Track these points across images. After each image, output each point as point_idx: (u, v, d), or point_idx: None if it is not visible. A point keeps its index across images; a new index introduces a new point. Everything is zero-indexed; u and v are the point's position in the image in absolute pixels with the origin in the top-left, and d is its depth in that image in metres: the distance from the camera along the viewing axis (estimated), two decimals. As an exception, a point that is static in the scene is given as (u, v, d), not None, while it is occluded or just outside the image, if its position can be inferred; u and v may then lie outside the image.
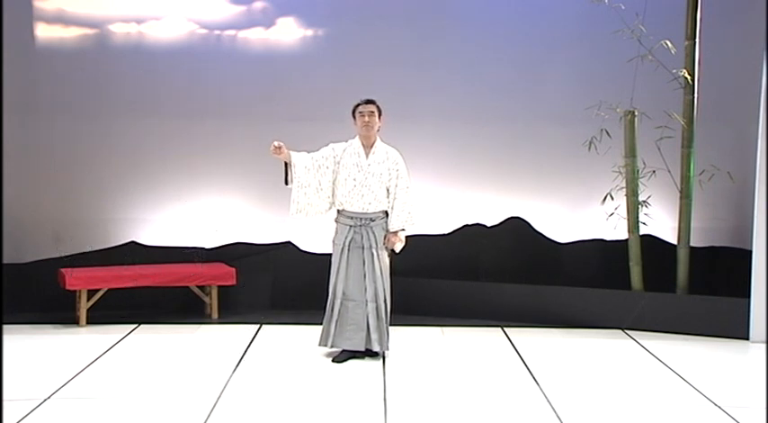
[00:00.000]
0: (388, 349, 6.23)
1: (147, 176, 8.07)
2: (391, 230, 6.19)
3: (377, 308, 6.15)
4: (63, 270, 7.49)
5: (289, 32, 8.07)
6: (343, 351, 6.18)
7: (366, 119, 6.17)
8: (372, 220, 6.17)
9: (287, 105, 8.06)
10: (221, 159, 8.12)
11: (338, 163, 6.21)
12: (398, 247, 6.28)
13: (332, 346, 6.21)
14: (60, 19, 7.92)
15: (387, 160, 6.21)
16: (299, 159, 6.20)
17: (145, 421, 4.83)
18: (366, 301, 6.14)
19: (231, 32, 8.06)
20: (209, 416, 4.92)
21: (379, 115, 6.24)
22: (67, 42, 7.95)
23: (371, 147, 6.23)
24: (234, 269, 7.72)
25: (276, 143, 6.10)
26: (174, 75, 8.03)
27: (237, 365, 6.04)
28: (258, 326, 7.32)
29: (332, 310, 6.20)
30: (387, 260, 6.24)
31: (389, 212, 6.20)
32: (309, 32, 8.10)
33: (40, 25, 7.91)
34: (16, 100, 7.77)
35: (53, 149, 7.97)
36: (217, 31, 8.04)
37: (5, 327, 6.60)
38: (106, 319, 7.35)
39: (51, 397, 5.23)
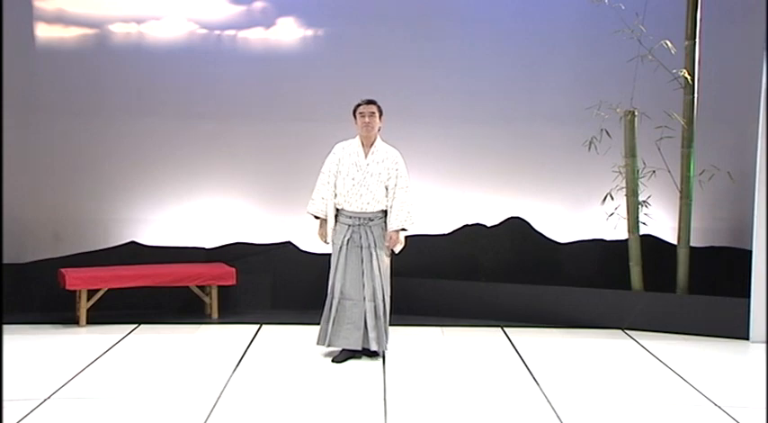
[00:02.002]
0: (386, 349, 6.23)
1: (147, 176, 8.06)
2: (391, 230, 6.18)
3: (375, 307, 6.14)
4: (63, 270, 7.49)
5: (289, 32, 8.07)
6: (343, 351, 6.18)
7: (366, 120, 6.18)
8: (371, 219, 6.17)
9: (287, 105, 8.06)
10: (221, 159, 8.12)
11: (339, 162, 6.22)
12: (398, 248, 6.27)
13: (329, 345, 6.21)
14: (60, 19, 7.93)
15: (386, 160, 6.21)
16: (330, 211, 6.27)
17: (145, 421, 4.83)
18: (364, 300, 6.14)
19: (231, 32, 8.06)
20: (209, 416, 4.91)
21: (380, 115, 6.25)
22: (67, 42, 7.95)
23: (371, 146, 6.23)
24: (234, 269, 7.72)
25: (322, 241, 6.36)
26: (174, 75, 8.03)
27: (237, 365, 6.03)
28: (258, 326, 7.32)
29: (330, 309, 6.21)
30: (386, 260, 6.24)
31: (389, 212, 6.19)
32: (309, 32, 8.10)
33: (39, 25, 7.91)
34: (16, 100, 7.77)
35: (53, 149, 7.97)
36: (217, 31, 8.04)
37: (5, 327, 6.60)
38: (106, 319, 7.35)
39: (51, 397, 5.23)
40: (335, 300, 6.18)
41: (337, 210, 6.24)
